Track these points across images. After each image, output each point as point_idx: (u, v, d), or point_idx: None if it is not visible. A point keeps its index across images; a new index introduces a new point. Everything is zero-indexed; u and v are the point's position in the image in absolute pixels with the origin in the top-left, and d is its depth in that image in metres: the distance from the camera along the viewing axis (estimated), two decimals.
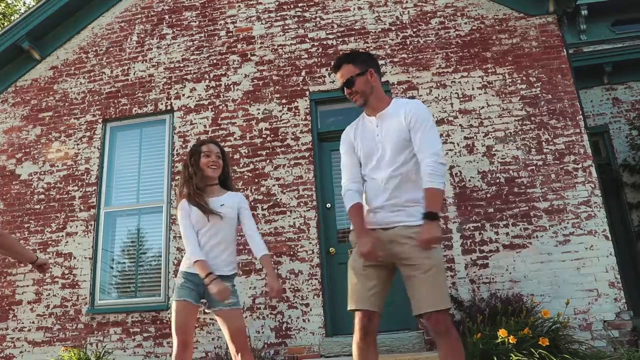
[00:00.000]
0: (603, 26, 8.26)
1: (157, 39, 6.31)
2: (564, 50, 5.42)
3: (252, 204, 5.33)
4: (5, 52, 6.33)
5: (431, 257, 2.42)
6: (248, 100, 5.81)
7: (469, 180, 5.14)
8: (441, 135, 5.21)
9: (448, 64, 5.56)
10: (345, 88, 2.66)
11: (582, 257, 4.75)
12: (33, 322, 5.45)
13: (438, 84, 5.50)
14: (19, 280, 5.63)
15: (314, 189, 5.34)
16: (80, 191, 5.82)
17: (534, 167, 5.10)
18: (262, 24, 6.10)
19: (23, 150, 6.15)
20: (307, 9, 6.05)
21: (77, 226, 5.69)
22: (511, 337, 3.75)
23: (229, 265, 3.10)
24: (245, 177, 5.51)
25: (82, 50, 6.46)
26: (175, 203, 3.31)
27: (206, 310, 3.12)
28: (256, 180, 5.48)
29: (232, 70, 5.96)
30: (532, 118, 5.25)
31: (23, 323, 5.47)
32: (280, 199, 5.38)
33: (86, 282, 5.48)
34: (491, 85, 5.42)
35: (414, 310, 2.43)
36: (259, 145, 5.61)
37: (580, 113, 5.20)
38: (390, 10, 5.87)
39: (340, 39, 5.85)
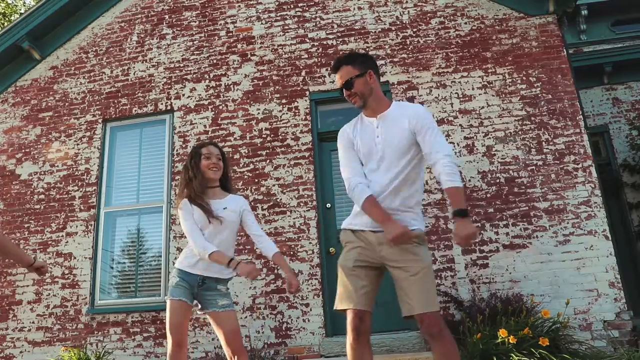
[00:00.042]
0: (603, 26, 8.25)
1: (157, 39, 6.31)
2: (564, 50, 5.42)
3: (252, 204, 5.32)
4: (5, 52, 6.33)
5: (420, 259, 2.43)
6: (248, 100, 5.81)
7: (469, 180, 5.14)
8: None
9: (448, 64, 5.56)
10: (344, 90, 2.65)
11: (582, 257, 4.75)
12: (33, 322, 5.45)
13: (438, 84, 5.50)
14: (19, 280, 5.63)
15: (314, 189, 5.34)
16: (80, 191, 5.82)
17: (534, 167, 5.10)
18: (262, 24, 6.09)
19: (23, 150, 6.15)
20: (307, 9, 6.05)
21: (77, 226, 5.69)
22: (511, 337, 3.75)
23: (227, 269, 3.09)
24: (245, 177, 5.51)
25: (82, 50, 6.46)
26: (175, 203, 3.30)
27: (198, 312, 3.09)
28: (256, 180, 5.48)
29: (232, 70, 5.96)
30: (532, 118, 5.25)
31: (23, 323, 5.47)
32: (280, 199, 5.38)
33: (86, 282, 5.48)
34: (491, 85, 5.42)
35: (404, 311, 2.42)
36: (259, 145, 5.61)
37: (580, 113, 5.20)
38: (390, 10, 5.87)
39: (340, 39, 5.85)
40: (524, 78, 5.39)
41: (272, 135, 5.62)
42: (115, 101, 6.11)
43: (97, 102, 6.16)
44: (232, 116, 5.78)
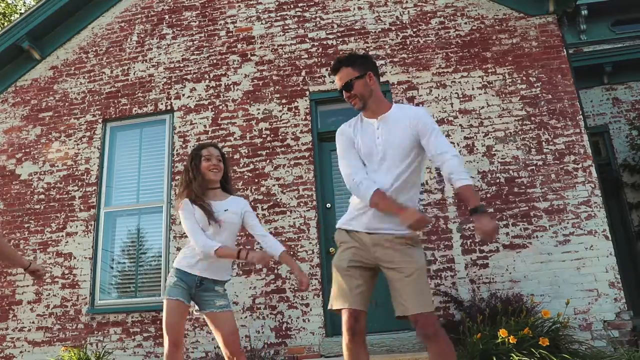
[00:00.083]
0: (603, 26, 8.25)
1: (157, 39, 6.31)
2: (564, 50, 5.42)
3: (252, 204, 5.32)
4: (5, 52, 6.33)
5: (414, 260, 2.43)
6: (248, 100, 5.81)
7: None
8: None
9: (448, 64, 5.56)
10: (343, 91, 2.63)
11: (582, 257, 4.75)
12: (33, 322, 5.45)
13: (438, 84, 5.50)
14: (19, 280, 5.62)
15: (314, 189, 5.34)
16: (80, 191, 5.82)
17: (534, 167, 5.10)
18: (262, 24, 6.09)
19: (23, 150, 6.15)
20: (307, 9, 6.05)
21: (77, 226, 5.69)
22: (511, 337, 3.75)
23: (226, 270, 3.08)
24: (245, 177, 5.51)
25: (82, 50, 6.46)
26: (175, 204, 3.29)
27: (195, 313, 3.07)
28: (256, 180, 5.48)
29: (232, 70, 5.96)
30: (532, 118, 5.25)
31: (23, 323, 5.47)
32: (280, 199, 5.38)
33: (86, 282, 5.48)
34: (491, 85, 5.42)
35: (397, 312, 2.42)
36: (259, 145, 5.61)
37: (580, 113, 5.20)
38: (390, 10, 5.87)
39: (340, 39, 5.85)
40: (524, 78, 5.39)
41: (272, 135, 5.62)
42: (115, 101, 6.11)
43: (97, 102, 6.15)
44: (232, 116, 5.78)
